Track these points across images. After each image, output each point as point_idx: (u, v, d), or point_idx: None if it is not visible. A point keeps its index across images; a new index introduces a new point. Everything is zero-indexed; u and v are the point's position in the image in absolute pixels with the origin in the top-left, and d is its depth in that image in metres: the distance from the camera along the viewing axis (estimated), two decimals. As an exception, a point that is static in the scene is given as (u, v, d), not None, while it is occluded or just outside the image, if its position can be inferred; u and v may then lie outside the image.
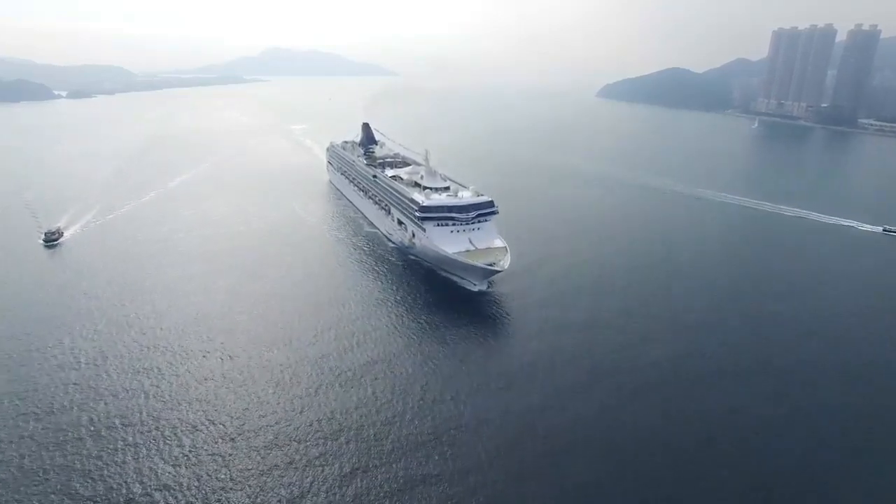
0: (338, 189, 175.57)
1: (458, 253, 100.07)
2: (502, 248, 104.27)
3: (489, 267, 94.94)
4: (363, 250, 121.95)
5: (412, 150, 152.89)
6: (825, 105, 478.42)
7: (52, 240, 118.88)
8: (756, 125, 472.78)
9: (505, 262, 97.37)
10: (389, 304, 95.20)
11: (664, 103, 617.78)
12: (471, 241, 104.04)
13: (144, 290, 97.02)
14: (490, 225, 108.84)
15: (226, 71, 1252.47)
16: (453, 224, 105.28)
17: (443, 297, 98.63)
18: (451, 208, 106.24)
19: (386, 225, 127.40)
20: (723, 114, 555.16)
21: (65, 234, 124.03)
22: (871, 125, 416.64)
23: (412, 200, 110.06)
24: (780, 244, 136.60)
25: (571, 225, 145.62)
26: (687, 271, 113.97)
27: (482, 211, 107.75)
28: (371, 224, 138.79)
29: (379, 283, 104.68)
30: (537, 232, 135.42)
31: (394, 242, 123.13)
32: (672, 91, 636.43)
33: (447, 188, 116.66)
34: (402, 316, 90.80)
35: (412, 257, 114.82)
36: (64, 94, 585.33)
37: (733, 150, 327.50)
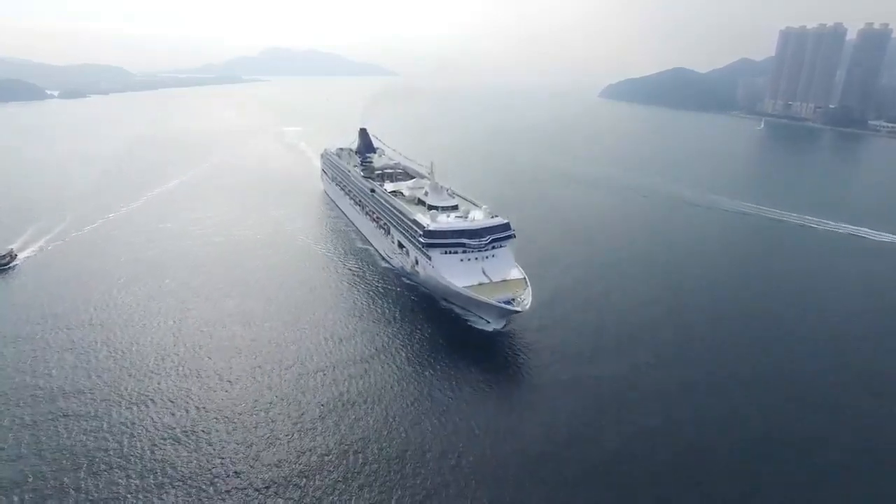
0: (332, 200, 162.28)
1: (470, 287, 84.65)
2: (521, 279, 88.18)
3: (508, 307, 79.42)
4: (356, 272, 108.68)
5: (415, 161, 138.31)
6: (834, 106, 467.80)
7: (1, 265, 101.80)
8: (762, 126, 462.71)
9: (526, 300, 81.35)
10: (383, 340, 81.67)
11: (667, 104, 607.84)
12: (484, 272, 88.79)
13: (104, 325, 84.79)
14: (506, 251, 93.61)
15: (224, 71, 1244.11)
16: (464, 252, 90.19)
17: (450, 337, 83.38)
18: (461, 233, 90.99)
19: (384, 246, 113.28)
20: (728, 115, 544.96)
21: (18, 257, 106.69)
22: (883, 127, 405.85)
23: (416, 223, 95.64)
24: (804, 257, 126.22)
25: (586, 239, 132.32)
26: (723, 297, 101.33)
27: (497, 235, 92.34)
28: (365, 240, 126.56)
29: (372, 312, 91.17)
30: (552, 248, 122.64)
31: (392, 266, 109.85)
32: (675, 92, 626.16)
33: (455, 207, 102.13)
34: (398, 358, 76.53)
35: (411, 282, 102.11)
36: (56, 93, 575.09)
37: (740, 152, 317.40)
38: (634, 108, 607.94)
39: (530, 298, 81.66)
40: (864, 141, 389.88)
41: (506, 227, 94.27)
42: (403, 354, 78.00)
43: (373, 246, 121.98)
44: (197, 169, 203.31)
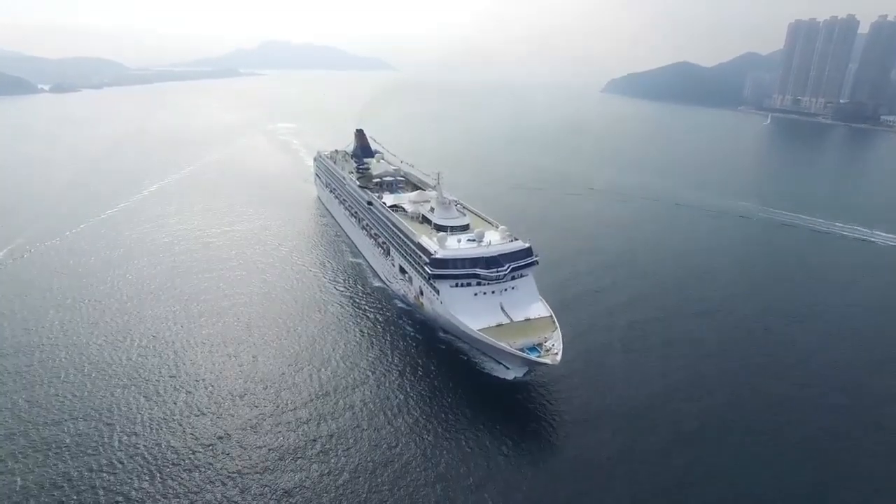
0: (326, 208, 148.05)
1: (487, 329, 70.06)
2: (547, 317, 73.41)
3: (537, 359, 64.76)
4: (348, 295, 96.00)
5: (418, 168, 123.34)
6: (845, 101, 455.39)
7: None
8: (768, 122, 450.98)
9: (556, 346, 66.54)
10: (380, 383, 68.80)
11: (673, 99, 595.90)
12: (503, 308, 74.48)
13: (59, 346, 74.98)
14: (528, 282, 79.04)
15: (221, 64, 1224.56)
16: (478, 284, 75.71)
17: (459, 386, 69.00)
18: (475, 261, 75.83)
19: (383, 268, 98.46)
20: (734, 110, 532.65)
21: None
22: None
23: (420, 247, 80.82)
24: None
25: (614, 257, 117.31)
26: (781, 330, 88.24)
27: (518, 263, 77.49)
28: (357, 253, 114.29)
29: (361, 347, 77.86)
30: (570, 267, 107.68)
31: (387, 286, 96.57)
32: (680, 86, 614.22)
33: (467, 226, 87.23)
34: (396, 406, 64.29)
35: (407, 306, 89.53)
36: (47, 87, 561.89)
37: (751, 150, 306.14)
38: (639, 104, 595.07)
39: (561, 344, 67.01)
40: (876, 137, 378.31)
41: (527, 252, 79.60)
42: (397, 405, 65.56)
43: (365, 260, 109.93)
44: (180, 172, 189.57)
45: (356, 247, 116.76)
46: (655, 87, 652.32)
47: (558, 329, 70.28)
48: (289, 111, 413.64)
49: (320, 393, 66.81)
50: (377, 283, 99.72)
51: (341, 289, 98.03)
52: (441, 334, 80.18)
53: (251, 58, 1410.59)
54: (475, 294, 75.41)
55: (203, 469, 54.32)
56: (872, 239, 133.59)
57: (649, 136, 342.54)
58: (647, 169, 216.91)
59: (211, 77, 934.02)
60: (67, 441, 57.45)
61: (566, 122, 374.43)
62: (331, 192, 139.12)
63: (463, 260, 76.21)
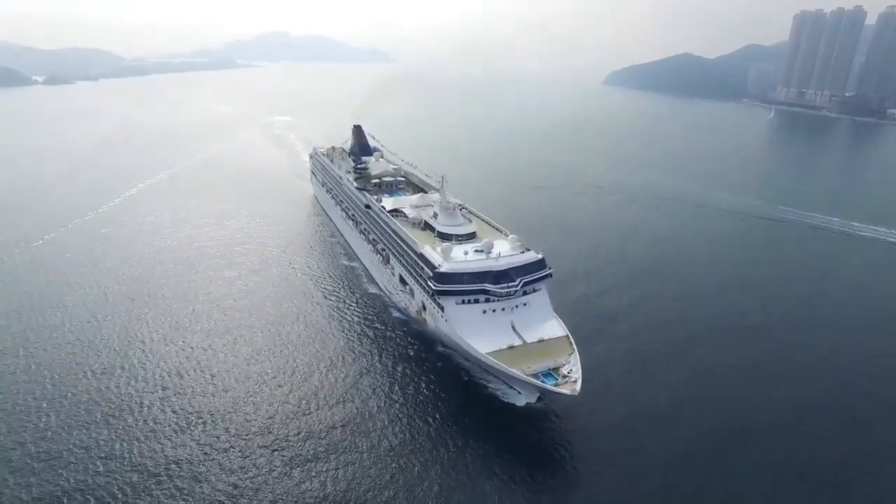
0: (322, 208, 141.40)
1: (498, 352, 63.36)
2: (563, 338, 66.92)
3: (554, 388, 57.98)
4: (341, 302, 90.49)
5: (419, 168, 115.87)
6: (850, 94, 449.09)
7: None
8: (772, 115, 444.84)
9: (574, 372, 59.74)
10: (371, 403, 63.12)
11: (674, 91, 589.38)
12: (514, 328, 67.73)
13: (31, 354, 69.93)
14: (541, 297, 72.19)
15: (219, 55, 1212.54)
16: (487, 301, 69.18)
17: (466, 411, 62.99)
18: (484, 275, 68.89)
19: (383, 277, 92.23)
20: (738, 103, 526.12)
21: None
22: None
23: (423, 258, 73.94)
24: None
25: (634, 264, 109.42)
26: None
27: (530, 277, 70.61)
28: (353, 256, 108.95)
29: (358, 359, 72.43)
30: (583, 276, 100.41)
31: (391, 302, 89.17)
32: (682, 78, 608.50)
33: (473, 235, 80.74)
34: (391, 430, 58.86)
35: (405, 316, 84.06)
36: (41, 79, 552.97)
37: (760, 145, 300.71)
38: (641, 97, 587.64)
39: (580, 370, 60.21)
40: (882, 131, 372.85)
41: (540, 264, 72.73)
42: (392, 429, 60.52)
43: (361, 263, 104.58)
44: (171, 169, 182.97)
45: (353, 250, 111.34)
46: (657, 79, 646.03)
47: (576, 351, 63.74)
48: (285, 103, 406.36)
49: (305, 411, 61.85)
50: (373, 290, 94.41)
51: (334, 295, 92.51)
52: (440, 348, 74.86)
53: (249, 49, 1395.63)
54: (483, 312, 68.77)
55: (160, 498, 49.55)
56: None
57: (653, 131, 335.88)
58: (654, 167, 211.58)
59: (208, 69, 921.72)
60: (33, 451, 52.85)
61: (568, 118, 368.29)
62: (327, 191, 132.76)
63: (470, 274, 69.33)
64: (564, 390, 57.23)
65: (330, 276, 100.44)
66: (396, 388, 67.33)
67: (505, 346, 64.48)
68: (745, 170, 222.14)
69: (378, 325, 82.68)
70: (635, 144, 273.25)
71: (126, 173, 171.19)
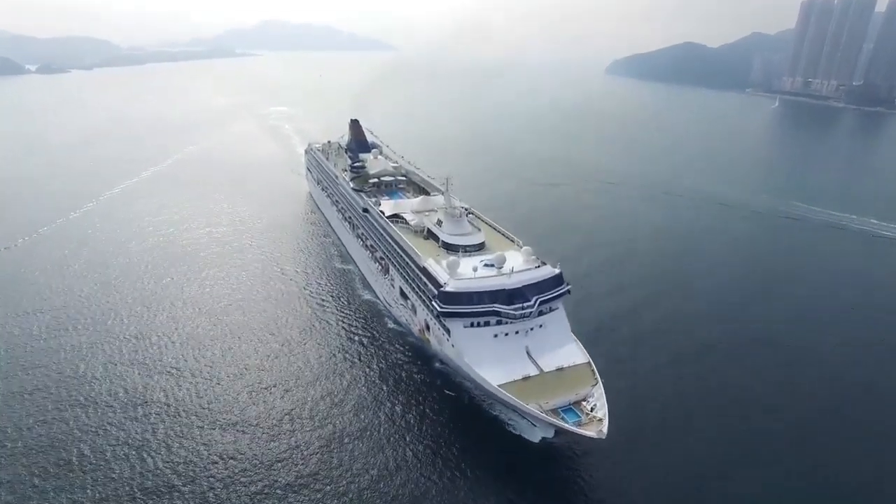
0: (317, 206, 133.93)
1: (511, 385, 55.41)
2: (584, 365, 58.96)
3: (577, 430, 50.27)
4: (334, 310, 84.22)
5: (421, 168, 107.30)
6: (858, 83, 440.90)
7: None
8: (776, 104, 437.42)
9: (599, 408, 52.34)
10: (362, 427, 57.05)
11: (678, 81, 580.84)
12: (529, 353, 60.11)
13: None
14: (559, 317, 64.20)
15: (217, 44, 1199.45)
16: (499, 324, 61.22)
17: (472, 446, 55.92)
18: (494, 295, 60.73)
19: (381, 287, 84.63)
20: (742, 92, 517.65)
21: None
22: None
23: (427, 274, 66.11)
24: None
25: (657, 270, 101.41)
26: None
27: (547, 295, 62.62)
28: (348, 258, 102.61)
29: (348, 374, 66.41)
30: (599, 285, 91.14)
31: (389, 314, 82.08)
32: (685, 67, 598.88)
33: (482, 245, 72.50)
34: (385, 461, 52.85)
35: (401, 328, 77.48)
36: (34, 68, 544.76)
37: (769, 137, 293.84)
38: (645, 87, 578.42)
39: (606, 406, 52.08)
40: (892, 121, 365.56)
41: (558, 280, 64.57)
42: (386, 460, 54.98)
43: (357, 266, 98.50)
44: (164, 163, 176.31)
45: (348, 253, 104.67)
46: (660, 68, 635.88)
47: (599, 382, 55.78)
48: (282, 93, 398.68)
49: (288, 430, 56.53)
50: (368, 296, 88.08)
51: (326, 302, 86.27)
52: (439, 365, 68.41)
53: (248, 37, 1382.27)
54: (495, 335, 61.02)
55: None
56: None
57: (658, 124, 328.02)
58: (664, 161, 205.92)
59: (205, 58, 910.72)
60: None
61: (572, 110, 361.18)
62: (322, 189, 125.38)
63: (479, 293, 61.05)
64: (590, 432, 49.35)
65: (323, 282, 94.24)
66: (385, 407, 61.31)
67: (519, 377, 56.79)
68: (762, 165, 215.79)
69: (373, 337, 76.66)
70: (641, 138, 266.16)
71: (111, 170, 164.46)
